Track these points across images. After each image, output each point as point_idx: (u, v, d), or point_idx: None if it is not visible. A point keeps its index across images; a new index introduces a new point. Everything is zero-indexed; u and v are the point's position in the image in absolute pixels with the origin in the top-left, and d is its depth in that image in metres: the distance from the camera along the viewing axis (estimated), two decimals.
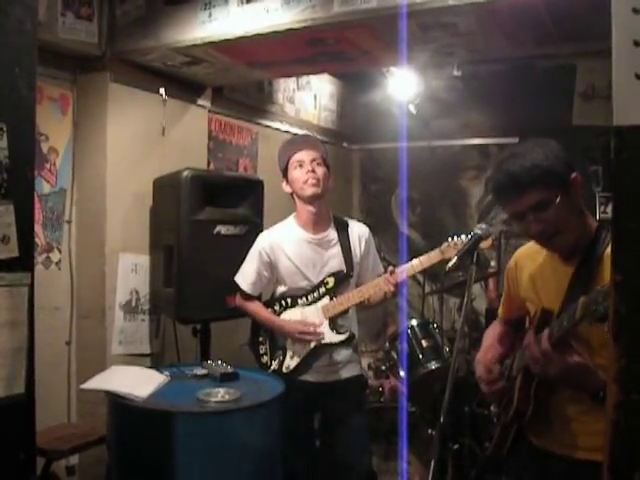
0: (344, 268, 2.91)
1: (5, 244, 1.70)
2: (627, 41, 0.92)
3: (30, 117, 1.81)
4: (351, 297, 2.84)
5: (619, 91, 0.93)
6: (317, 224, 2.94)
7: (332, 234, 2.96)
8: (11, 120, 1.71)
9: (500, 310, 2.30)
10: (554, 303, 1.84)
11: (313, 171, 2.85)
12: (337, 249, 2.94)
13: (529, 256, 2.07)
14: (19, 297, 1.74)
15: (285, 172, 2.92)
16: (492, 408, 2.13)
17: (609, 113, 0.96)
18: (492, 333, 2.27)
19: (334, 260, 2.93)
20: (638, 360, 0.93)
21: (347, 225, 3.01)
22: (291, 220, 3.02)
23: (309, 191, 2.86)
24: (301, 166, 2.86)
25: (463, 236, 2.63)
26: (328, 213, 2.99)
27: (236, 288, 3.04)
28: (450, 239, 2.67)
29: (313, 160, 2.86)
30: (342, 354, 2.93)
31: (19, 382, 1.74)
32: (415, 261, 2.74)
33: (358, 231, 3.03)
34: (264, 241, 2.99)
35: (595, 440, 1.60)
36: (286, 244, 2.94)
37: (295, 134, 4.96)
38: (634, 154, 0.93)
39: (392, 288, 2.74)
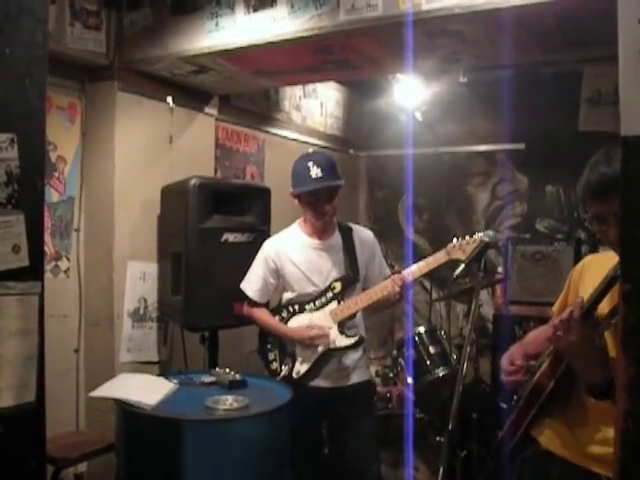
0: (350, 273, 2.92)
1: (16, 253, 1.71)
2: (633, 51, 0.92)
3: (40, 127, 1.82)
4: (359, 301, 2.84)
5: (626, 101, 0.94)
6: (322, 231, 2.96)
7: (337, 240, 2.98)
8: (22, 130, 1.72)
9: (555, 307, 2.26)
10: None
11: (324, 214, 2.85)
12: (342, 254, 2.96)
13: (599, 263, 2.05)
14: (30, 306, 1.75)
15: (297, 194, 2.89)
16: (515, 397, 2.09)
17: (616, 119, 0.96)
18: (539, 330, 2.24)
19: (340, 265, 2.94)
20: None
21: (351, 230, 3.03)
22: (296, 227, 3.04)
23: (318, 225, 2.92)
24: (315, 205, 2.85)
25: (468, 237, 2.63)
26: (332, 219, 3.00)
27: (243, 296, 3.05)
28: (455, 240, 2.67)
29: (328, 199, 2.85)
30: (351, 358, 2.94)
31: (30, 390, 1.75)
32: (422, 262, 2.75)
33: (362, 236, 3.04)
34: (270, 248, 3.01)
35: (608, 442, 1.58)
36: (292, 250, 2.96)
37: (301, 142, 4.98)
38: None
39: (398, 289, 2.74)
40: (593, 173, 1.81)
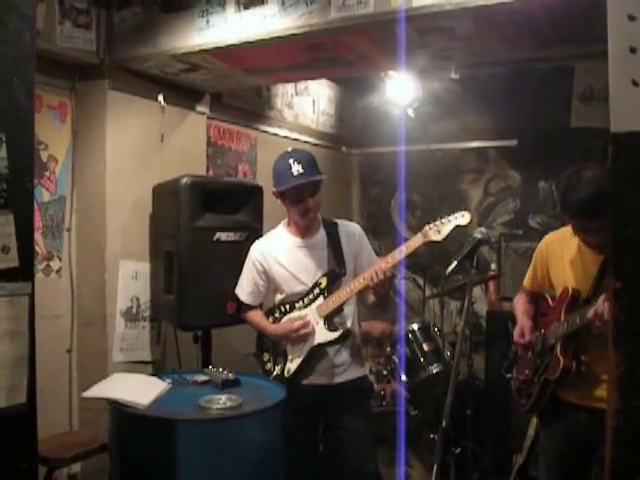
0: (336, 267, 2.91)
1: (5, 254, 1.70)
2: (623, 48, 0.91)
3: (29, 127, 1.81)
4: (342, 294, 2.84)
5: (616, 98, 0.93)
6: (307, 229, 2.97)
7: (321, 236, 2.98)
8: (10, 130, 1.71)
9: (525, 281, 2.79)
10: (584, 286, 2.38)
11: (309, 209, 2.85)
12: (328, 250, 2.95)
13: (560, 241, 2.55)
14: (20, 307, 1.74)
15: (281, 192, 2.88)
16: (527, 372, 2.62)
17: (607, 115, 0.95)
18: (521, 304, 2.79)
19: (326, 262, 2.94)
20: (638, 366, 0.92)
21: (336, 225, 3.03)
22: (281, 227, 3.06)
23: (302, 223, 2.93)
24: (299, 201, 2.84)
25: (444, 219, 2.68)
26: (316, 216, 3.00)
27: (237, 300, 3.10)
28: (432, 222, 2.70)
29: (311, 194, 2.83)
30: (343, 356, 2.93)
31: (20, 392, 1.74)
32: (400, 248, 2.75)
33: (348, 229, 3.04)
34: (256, 251, 3.03)
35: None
36: (278, 251, 2.97)
37: (294, 139, 4.98)
38: (632, 160, 0.93)
39: (378, 278, 2.71)
40: (580, 196, 2.21)
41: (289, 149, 3.01)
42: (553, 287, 2.62)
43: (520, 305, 2.80)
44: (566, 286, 2.47)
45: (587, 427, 2.38)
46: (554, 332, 2.48)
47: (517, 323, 2.71)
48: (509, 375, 2.77)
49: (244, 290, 3.06)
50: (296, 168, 2.79)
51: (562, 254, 2.52)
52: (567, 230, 2.57)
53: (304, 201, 2.83)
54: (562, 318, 2.44)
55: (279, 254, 2.96)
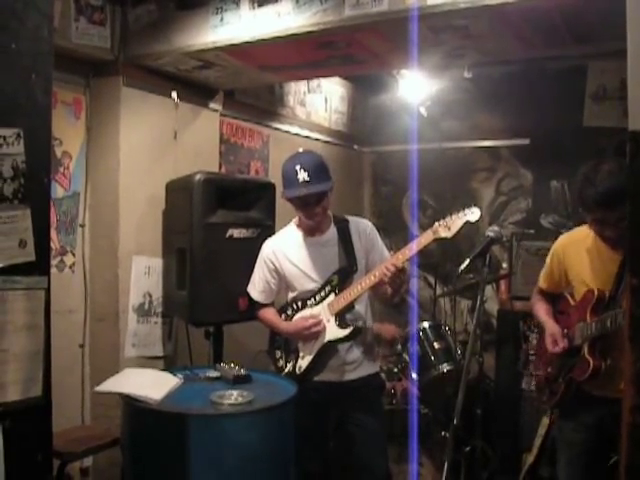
0: (346, 264, 2.91)
1: (22, 248, 1.72)
2: None
3: (46, 123, 1.83)
4: (353, 291, 2.84)
5: (634, 95, 0.93)
6: (317, 227, 2.97)
7: (332, 234, 2.98)
8: (27, 126, 1.73)
9: (541, 283, 2.82)
10: (606, 285, 2.40)
11: (315, 215, 2.85)
12: (339, 247, 2.95)
13: (575, 242, 2.60)
14: (36, 301, 1.76)
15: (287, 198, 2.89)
16: (549, 370, 2.66)
17: (620, 114, 0.95)
18: (542, 304, 2.81)
19: (337, 259, 2.94)
20: None
21: (347, 222, 3.02)
22: (292, 225, 3.07)
23: (310, 224, 2.92)
24: (304, 207, 2.84)
25: (454, 215, 2.66)
26: (328, 214, 3.00)
27: (249, 297, 3.11)
28: (441, 219, 2.69)
29: (317, 202, 2.82)
30: (355, 353, 2.93)
31: (36, 385, 1.76)
32: (410, 245, 2.74)
33: (359, 226, 3.03)
34: (267, 249, 3.04)
35: None
36: (289, 249, 2.98)
37: (306, 137, 4.99)
38: None
39: (389, 273, 2.69)
40: (599, 187, 2.25)
41: (300, 150, 3.00)
42: (571, 286, 2.65)
43: (541, 305, 2.82)
44: (590, 287, 2.48)
45: (611, 419, 2.37)
46: (581, 333, 2.48)
47: (545, 328, 2.70)
48: (525, 371, 2.79)
49: (256, 288, 3.07)
50: (302, 175, 2.77)
51: (579, 254, 2.55)
52: (580, 231, 2.61)
53: (310, 208, 2.84)
54: (588, 319, 2.45)
55: (290, 252, 2.97)
